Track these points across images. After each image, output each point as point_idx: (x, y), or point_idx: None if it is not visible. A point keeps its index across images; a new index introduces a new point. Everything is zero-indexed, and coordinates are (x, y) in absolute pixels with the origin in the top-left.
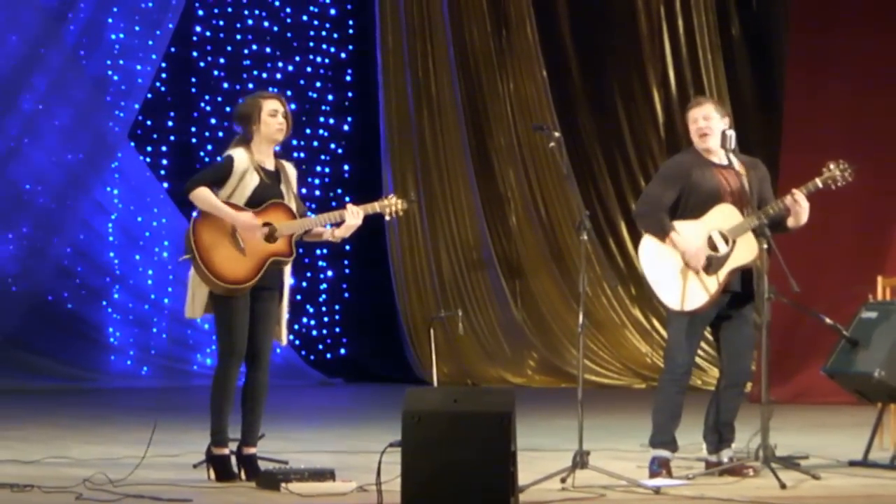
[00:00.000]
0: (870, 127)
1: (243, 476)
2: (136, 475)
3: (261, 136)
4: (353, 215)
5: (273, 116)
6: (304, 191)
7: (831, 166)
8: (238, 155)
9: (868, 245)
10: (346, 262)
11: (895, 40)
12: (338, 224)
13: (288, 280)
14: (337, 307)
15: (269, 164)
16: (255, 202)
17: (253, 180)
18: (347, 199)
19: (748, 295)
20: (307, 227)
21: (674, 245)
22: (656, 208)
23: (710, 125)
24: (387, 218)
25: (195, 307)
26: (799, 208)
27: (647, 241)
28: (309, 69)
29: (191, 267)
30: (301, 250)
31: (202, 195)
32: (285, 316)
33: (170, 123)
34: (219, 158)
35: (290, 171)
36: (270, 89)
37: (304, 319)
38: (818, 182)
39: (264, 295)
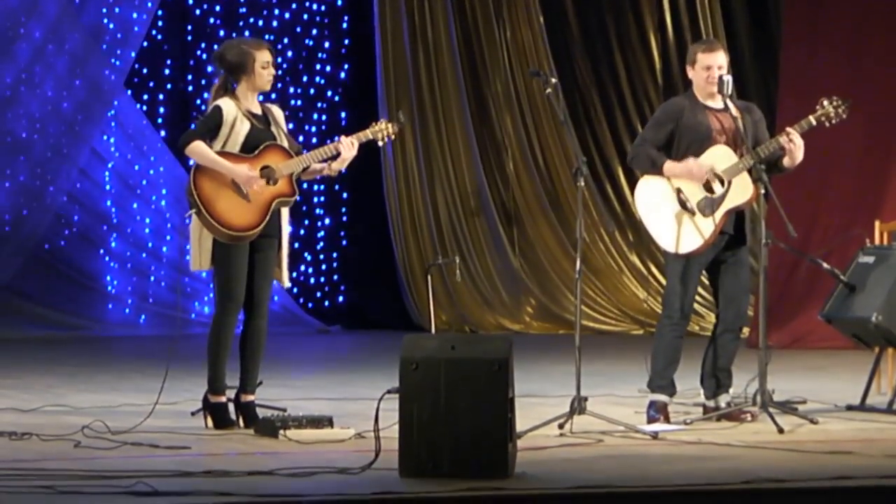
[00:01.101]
0: (868, 72)
1: (241, 423)
2: (135, 423)
3: (249, 86)
4: (348, 147)
5: (265, 69)
6: (301, 138)
7: (825, 103)
8: (225, 104)
9: (865, 189)
10: (343, 209)
11: None
12: (334, 157)
13: (286, 226)
14: (335, 255)
15: (256, 109)
16: (250, 148)
17: (244, 127)
18: (336, 137)
19: (743, 238)
20: (305, 164)
21: (672, 173)
22: (646, 147)
23: (722, 74)
24: (380, 143)
25: (202, 258)
26: (793, 146)
27: (644, 185)
28: (305, 16)
29: (192, 219)
30: (298, 198)
31: (198, 149)
32: (286, 259)
33: (166, 72)
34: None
35: (277, 112)
36: (266, 37)
37: (302, 267)
38: (812, 119)
39: (263, 243)
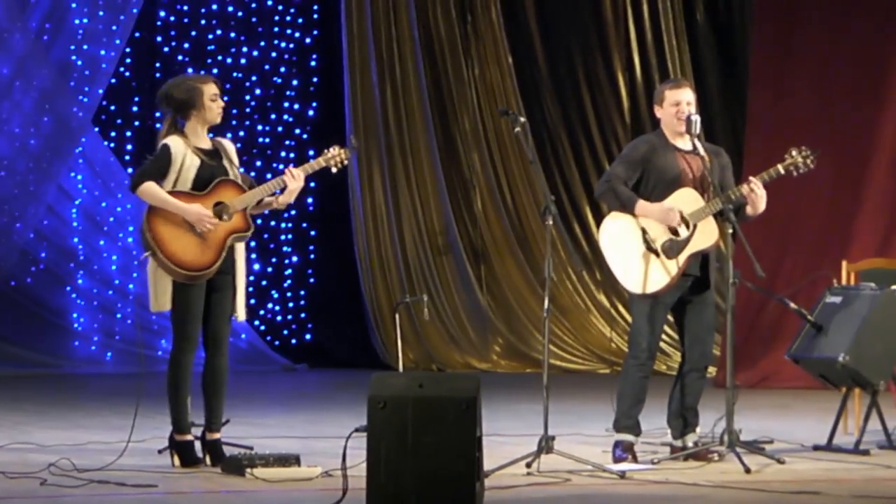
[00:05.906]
0: (835, 113)
1: (208, 461)
2: (102, 460)
3: (200, 121)
4: (294, 178)
5: (214, 101)
6: (268, 176)
7: (793, 153)
8: (173, 142)
9: (833, 230)
10: (311, 247)
11: (860, 28)
12: (283, 190)
13: (242, 260)
14: (302, 292)
15: (206, 144)
16: (201, 184)
17: (194, 163)
18: (292, 164)
19: (708, 280)
20: (257, 197)
21: (643, 213)
22: (616, 184)
23: (692, 110)
24: (333, 170)
25: (162, 300)
26: (755, 196)
27: (608, 225)
28: (273, 54)
29: (149, 261)
30: (266, 235)
31: (150, 190)
32: (241, 293)
33: (134, 109)
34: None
35: (228, 145)
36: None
37: (269, 305)
38: (780, 168)
39: (220, 280)
